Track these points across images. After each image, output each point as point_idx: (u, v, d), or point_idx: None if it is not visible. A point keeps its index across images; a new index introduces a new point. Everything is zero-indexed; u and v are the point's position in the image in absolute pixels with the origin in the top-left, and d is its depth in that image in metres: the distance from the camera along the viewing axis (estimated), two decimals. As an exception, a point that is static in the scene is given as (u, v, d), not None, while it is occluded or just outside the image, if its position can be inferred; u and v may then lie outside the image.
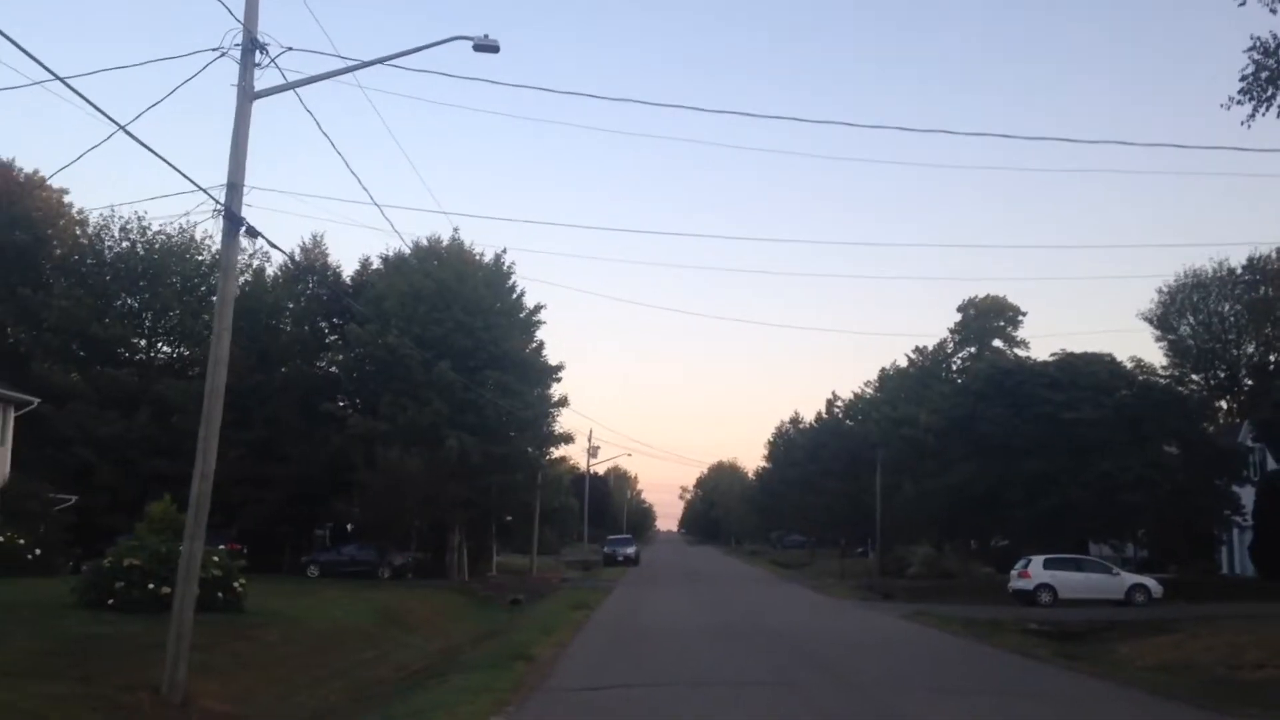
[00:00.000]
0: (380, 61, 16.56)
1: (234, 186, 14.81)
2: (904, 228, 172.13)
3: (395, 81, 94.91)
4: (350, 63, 16.47)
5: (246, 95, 15.11)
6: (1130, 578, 35.74)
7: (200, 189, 14.56)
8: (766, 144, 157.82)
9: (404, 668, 19.87)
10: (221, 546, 25.72)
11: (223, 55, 14.93)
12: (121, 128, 13.11)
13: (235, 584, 22.57)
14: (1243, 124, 17.35)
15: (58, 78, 11.34)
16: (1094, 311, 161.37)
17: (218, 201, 14.62)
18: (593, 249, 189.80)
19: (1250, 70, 16.80)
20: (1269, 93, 16.61)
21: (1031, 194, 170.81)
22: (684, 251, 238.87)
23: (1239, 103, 17.12)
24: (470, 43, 16.16)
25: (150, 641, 15.62)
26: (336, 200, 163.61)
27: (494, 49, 16.26)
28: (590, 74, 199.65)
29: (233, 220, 14.72)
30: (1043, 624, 27.06)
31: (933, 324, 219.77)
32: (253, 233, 15.18)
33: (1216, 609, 29.46)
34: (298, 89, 15.63)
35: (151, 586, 20.17)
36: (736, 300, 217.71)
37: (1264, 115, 16.87)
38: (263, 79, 15.14)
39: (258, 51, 15.01)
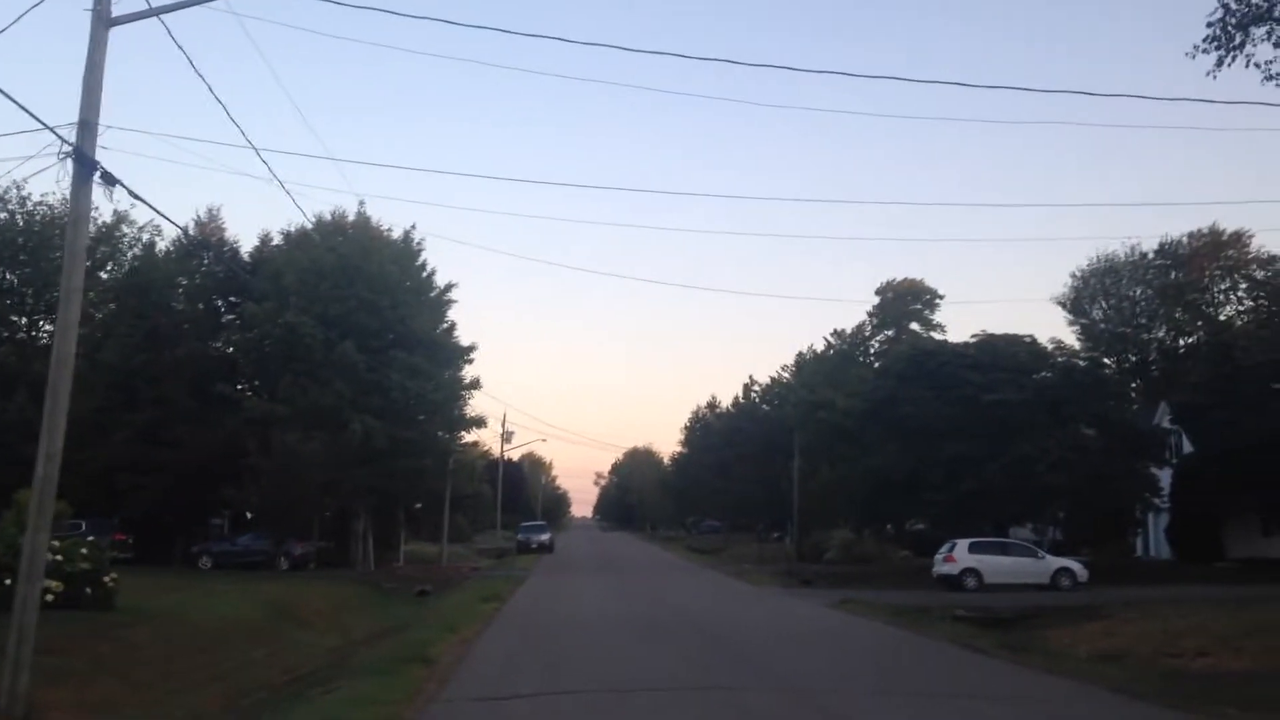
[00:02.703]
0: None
1: (86, 125, 12.88)
2: (830, 187, 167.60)
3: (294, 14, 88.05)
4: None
5: (102, 21, 13.20)
6: (1055, 561, 35.13)
7: (46, 126, 12.66)
8: (702, 90, 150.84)
9: (292, 670, 17.99)
10: (90, 537, 23.39)
11: (76, -24, 13.08)
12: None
13: (106, 578, 20.46)
14: (1208, 74, 16.16)
15: None
16: (1014, 285, 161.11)
17: (65, 141, 12.66)
18: (507, 204, 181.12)
19: (1218, 15, 15.63)
20: (1237, 40, 15.49)
21: (963, 152, 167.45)
22: (602, 208, 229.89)
23: (1204, 51, 15.99)
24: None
25: (-3, 646, 13.59)
26: (213, 144, 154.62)
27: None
28: (503, 10, 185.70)
29: (84, 163, 12.78)
30: (972, 610, 26.19)
31: (855, 289, 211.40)
32: (109, 179, 13.16)
33: (1140, 593, 29.09)
34: (163, 15, 13.75)
35: (9, 582, 18.01)
36: (653, 263, 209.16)
37: (1230, 66, 15.75)
38: (122, 4, 13.27)
39: (116, -28, 13.14)
